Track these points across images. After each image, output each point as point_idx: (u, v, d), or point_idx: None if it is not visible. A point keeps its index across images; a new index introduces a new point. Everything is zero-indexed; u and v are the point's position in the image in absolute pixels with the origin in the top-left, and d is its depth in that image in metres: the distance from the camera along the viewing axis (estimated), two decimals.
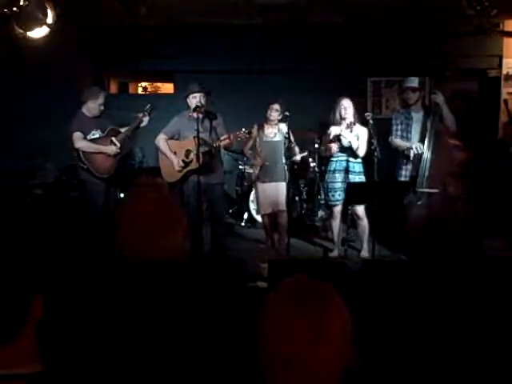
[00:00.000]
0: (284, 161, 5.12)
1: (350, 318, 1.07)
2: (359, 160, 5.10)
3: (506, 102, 5.37)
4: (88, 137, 4.94)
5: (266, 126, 5.24)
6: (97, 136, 4.98)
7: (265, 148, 5.20)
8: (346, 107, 5.02)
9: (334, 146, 5.08)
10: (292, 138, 5.20)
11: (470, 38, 6.40)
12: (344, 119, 5.04)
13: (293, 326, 1.02)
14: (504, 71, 6.90)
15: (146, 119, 5.03)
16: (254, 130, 5.23)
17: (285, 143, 5.08)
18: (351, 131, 5.02)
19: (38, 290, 1.11)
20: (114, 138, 4.97)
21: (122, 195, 5.51)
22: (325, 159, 5.57)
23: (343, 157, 5.11)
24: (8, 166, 6.10)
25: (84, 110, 4.99)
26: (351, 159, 5.09)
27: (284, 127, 5.16)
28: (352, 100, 5.10)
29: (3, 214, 5.21)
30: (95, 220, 4.85)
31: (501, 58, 6.88)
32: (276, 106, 5.13)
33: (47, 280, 1.15)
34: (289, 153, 5.10)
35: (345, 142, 5.03)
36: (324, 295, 1.07)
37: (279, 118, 5.16)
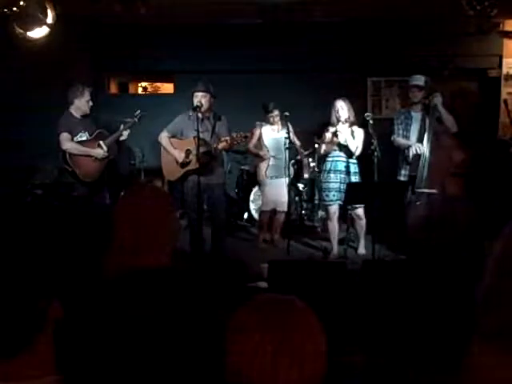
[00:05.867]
0: (287, 157, 5.36)
1: (324, 336, 1.00)
2: (355, 161, 5.12)
3: (505, 102, 5.35)
4: (75, 138, 4.80)
5: (268, 124, 5.52)
6: (84, 138, 4.84)
7: (270, 144, 5.52)
8: (342, 108, 5.04)
9: (331, 143, 5.09)
10: (294, 138, 5.33)
11: (470, 38, 6.40)
12: (340, 120, 5.06)
13: (261, 348, 0.95)
14: (504, 71, 6.89)
15: (125, 133, 4.93)
16: (258, 129, 5.53)
17: (285, 143, 5.22)
18: (349, 127, 5.04)
19: (54, 292, 0.97)
20: (101, 142, 4.84)
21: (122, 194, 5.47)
22: (321, 159, 5.61)
23: (338, 157, 5.11)
24: (8, 165, 6.10)
25: (72, 109, 4.84)
26: (347, 159, 5.10)
27: (284, 127, 5.33)
28: (349, 100, 5.12)
29: (3, 214, 5.20)
30: (79, 224, 4.70)
31: (501, 57, 6.87)
32: (276, 112, 5.42)
33: (63, 282, 1.03)
34: (292, 152, 5.39)
35: (341, 139, 5.02)
36: (294, 313, 1.00)
37: (279, 116, 5.45)
